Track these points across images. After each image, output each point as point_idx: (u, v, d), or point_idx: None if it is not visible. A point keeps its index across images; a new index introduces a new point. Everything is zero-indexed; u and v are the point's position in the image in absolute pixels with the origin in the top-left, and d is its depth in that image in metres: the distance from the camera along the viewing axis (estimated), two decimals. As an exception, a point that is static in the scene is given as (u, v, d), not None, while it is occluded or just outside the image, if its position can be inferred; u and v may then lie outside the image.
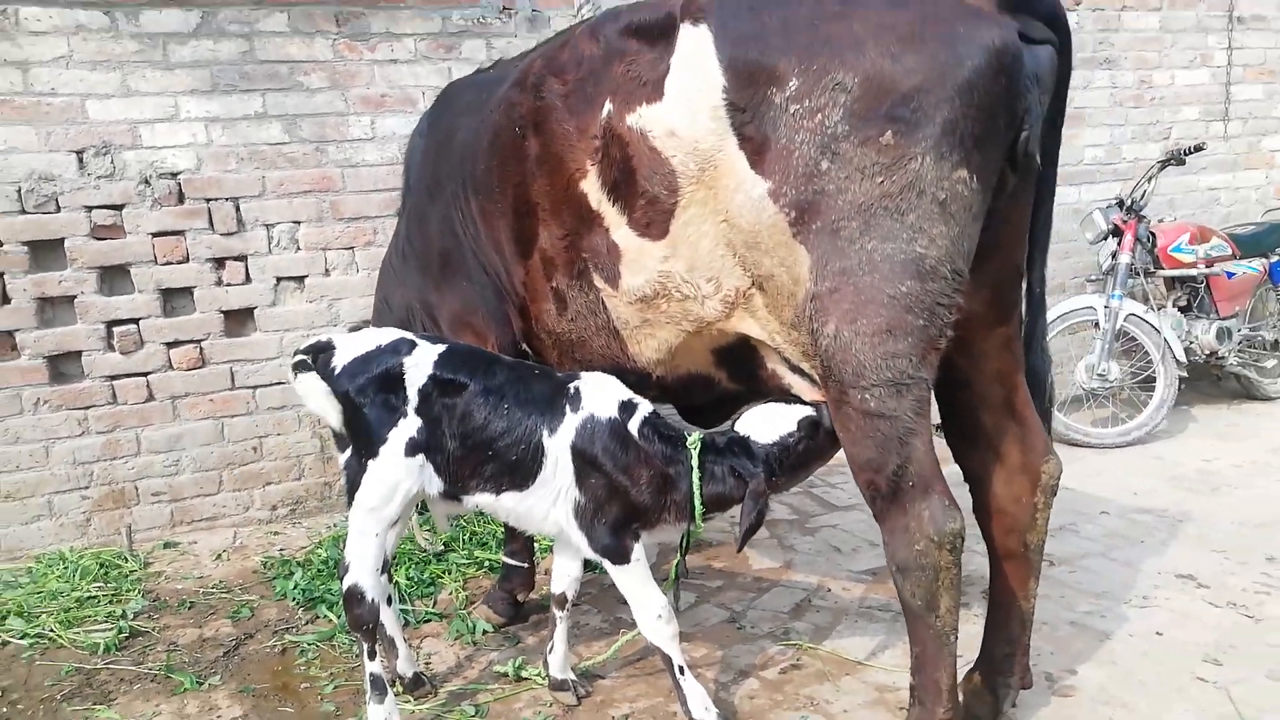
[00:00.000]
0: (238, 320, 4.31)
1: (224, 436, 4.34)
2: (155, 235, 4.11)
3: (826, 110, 2.06)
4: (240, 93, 4.16)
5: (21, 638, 3.35)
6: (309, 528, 4.35)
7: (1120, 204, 5.45)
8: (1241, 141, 6.43)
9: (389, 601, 2.80)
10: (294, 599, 3.56)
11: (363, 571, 2.57)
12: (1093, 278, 5.82)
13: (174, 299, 4.21)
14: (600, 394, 2.55)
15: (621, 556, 2.54)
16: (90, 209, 4.01)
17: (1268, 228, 5.96)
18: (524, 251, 2.79)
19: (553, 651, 2.82)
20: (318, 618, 3.43)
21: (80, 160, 3.98)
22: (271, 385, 4.36)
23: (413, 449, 2.52)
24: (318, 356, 2.59)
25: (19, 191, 3.92)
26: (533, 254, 2.76)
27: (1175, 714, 2.62)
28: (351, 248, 4.42)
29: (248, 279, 4.28)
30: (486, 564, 3.77)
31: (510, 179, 2.74)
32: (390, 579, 2.79)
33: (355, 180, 4.38)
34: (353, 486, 2.57)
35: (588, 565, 2.78)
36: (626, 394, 2.58)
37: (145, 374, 4.18)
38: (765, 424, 2.45)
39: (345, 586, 2.58)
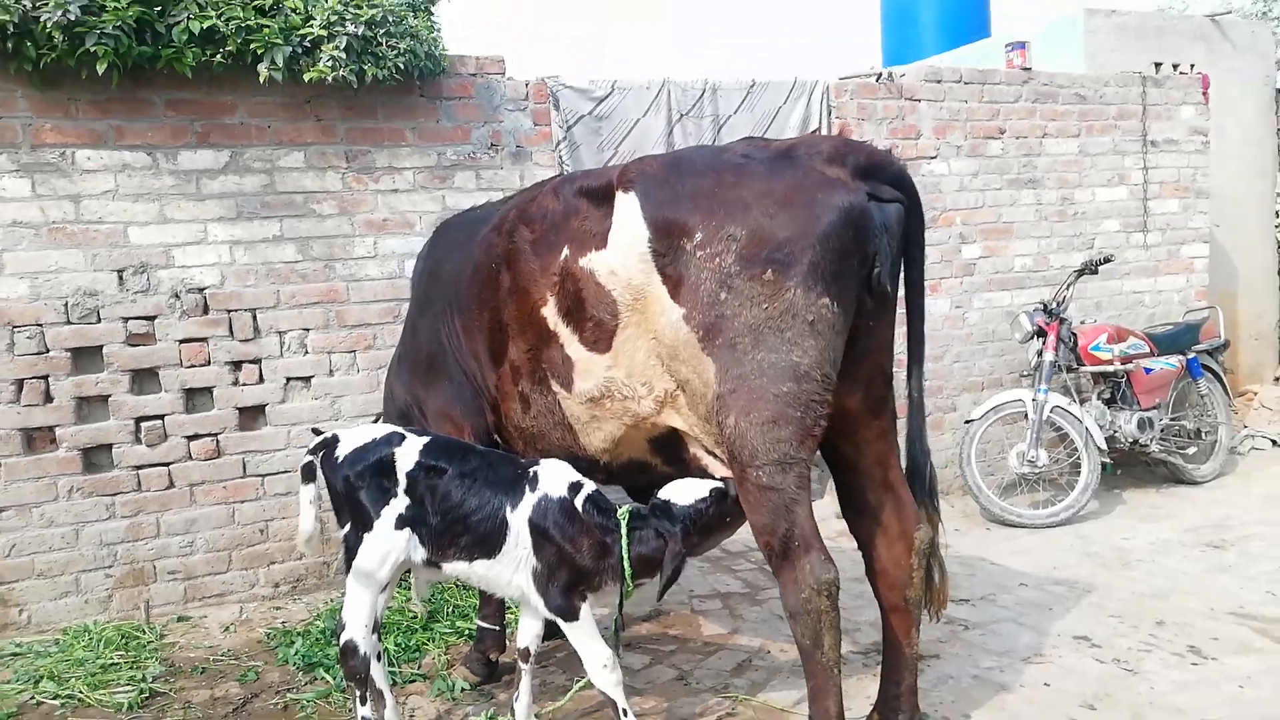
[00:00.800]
0: (251, 416, 4.87)
1: (234, 520, 4.84)
2: (182, 342, 4.70)
3: (723, 255, 2.69)
4: (261, 219, 4.82)
5: (54, 698, 3.79)
6: (308, 603, 4.81)
7: (1044, 308, 6.08)
8: (1161, 250, 7.10)
9: (379, 658, 3.27)
10: (295, 664, 4.02)
11: (357, 628, 3.06)
12: (1024, 373, 6.41)
13: (195, 397, 4.77)
14: (553, 476, 3.09)
15: (571, 614, 3.04)
16: (127, 320, 4.61)
17: (1184, 327, 6.59)
18: (497, 361, 3.39)
19: (518, 700, 3.28)
20: (316, 679, 3.88)
21: (120, 278, 4.60)
22: (279, 473, 4.88)
23: (401, 523, 3.05)
24: (325, 448, 3.15)
25: (66, 305, 4.52)
26: (504, 363, 3.35)
27: (1044, 748, 3.09)
28: (354, 351, 5.01)
29: (261, 379, 4.86)
30: (467, 633, 4.23)
31: (487, 303, 3.37)
32: (380, 639, 3.28)
33: (359, 292, 5.00)
34: (350, 555, 3.09)
35: (551, 633, 3.28)
36: (575, 476, 3.12)
37: (167, 464, 4.71)
38: (683, 492, 3.00)
39: (342, 641, 3.07)
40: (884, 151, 2.90)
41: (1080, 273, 6.12)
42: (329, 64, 4.53)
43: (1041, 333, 6.00)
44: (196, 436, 4.76)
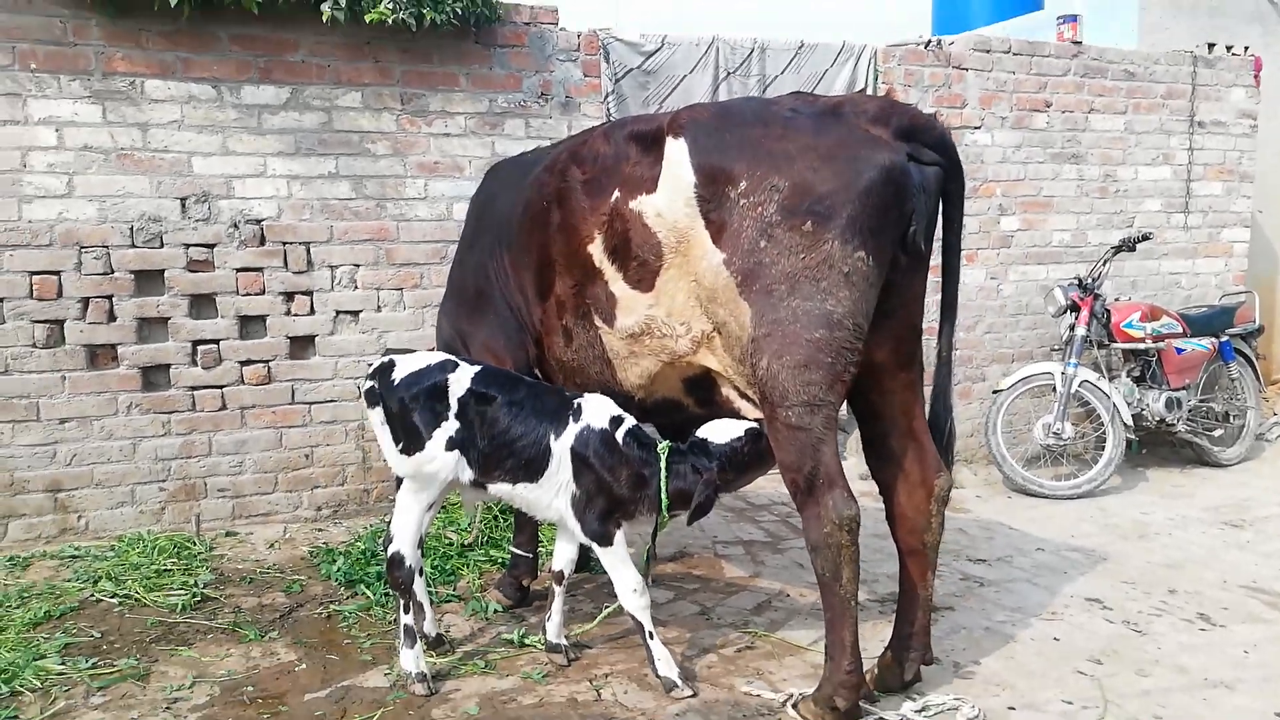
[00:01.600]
0: (301, 345, 5.06)
1: (282, 444, 5.06)
2: (239, 271, 4.89)
3: (765, 204, 2.81)
4: (318, 155, 4.97)
5: (112, 597, 4.04)
6: (349, 527, 5.04)
7: (1079, 283, 6.12)
8: (1202, 232, 7.09)
9: (420, 573, 3.46)
10: (337, 579, 4.24)
11: (404, 542, 3.26)
12: (1055, 348, 6.47)
13: (249, 324, 4.97)
14: (596, 409, 3.25)
15: (606, 540, 3.21)
16: (188, 246, 4.80)
17: (1219, 310, 6.60)
18: (543, 295, 3.54)
19: (550, 620, 3.47)
20: (356, 594, 4.10)
21: (183, 206, 4.79)
22: (325, 402, 5.09)
23: (451, 445, 3.23)
24: (382, 371, 3.32)
25: (131, 229, 4.71)
26: (549, 298, 3.50)
27: (1049, 694, 3.23)
28: (401, 289, 5.18)
29: (312, 311, 5.04)
30: (500, 560, 4.43)
31: (536, 240, 3.51)
32: (423, 554, 3.47)
33: (408, 232, 5.16)
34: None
35: (581, 565, 3.45)
36: (617, 410, 3.27)
37: (221, 387, 4.93)
38: (719, 432, 3.15)
39: (389, 553, 3.27)
40: (927, 115, 3.00)
41: (1118, 250, 6.14)
42: (389, 6, 4.66)
43: (1075, 307, 6.05)
44: (249, 362, 4.96)
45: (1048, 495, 5.80)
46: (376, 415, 3.34)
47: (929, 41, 6.21)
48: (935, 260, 3.14)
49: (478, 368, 3.35)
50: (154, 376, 4.84)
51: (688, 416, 3.36)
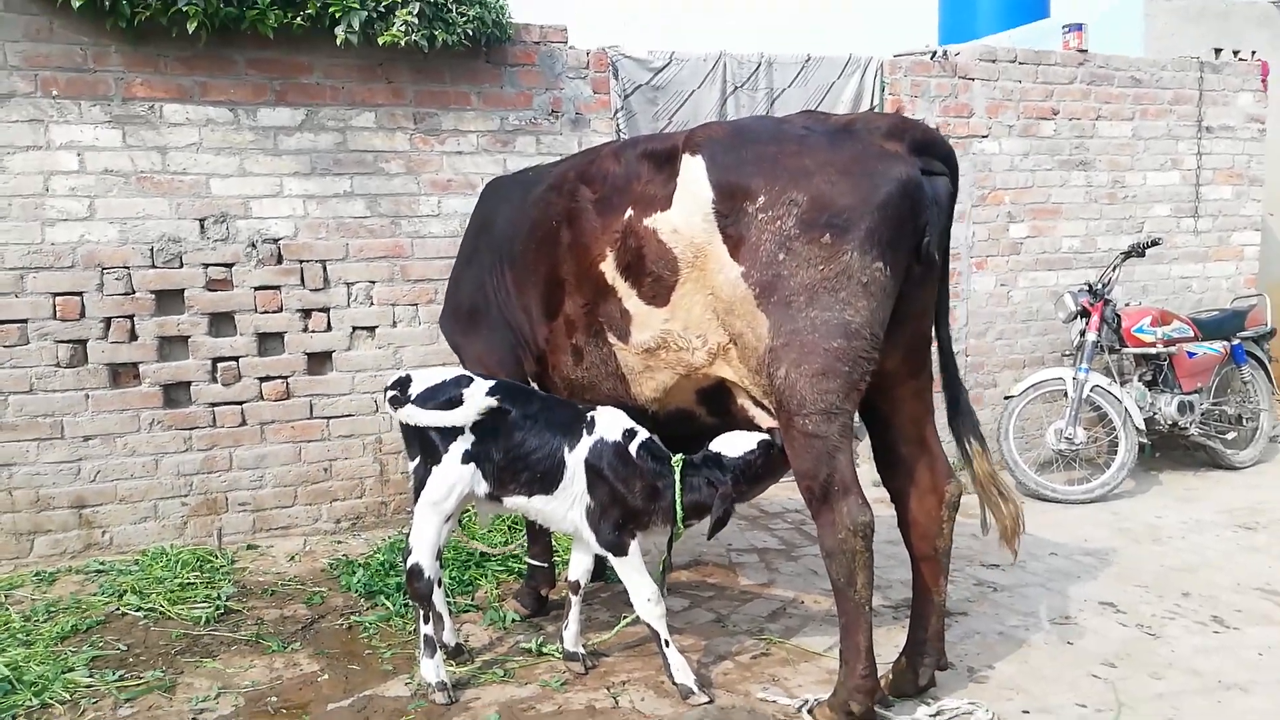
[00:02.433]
0: (318, 361, 5.14)
1: (301, 458, 5.14)
2: (257, 289, 4.98)
3: (784, 218, 2.86)
4: (333, 175, 5.06)
5: (137, 610, 4.11)
6: (367, 539, 5.10)
7: (1089, 289, 6.15)
8: (1212, 236, 7.11)
9: (439, 584, 3.52)
10: (357, 590, 4.30)
11: (423, 554, 3.32)
12: (1066, 353, 6.49)
13: (268, 341, 5.05)
14: (609, 422, 3.31)
15: (621, 550, 3.27)
16: (207, 266, 4.90)
17: (1230, 313, 6.61)
18: (550, 315, 3.60)
19: (567, 629, 3.52)
20: (377, 605, 4.16)
21: (202, 227, 4.88)
22: (343, 417, 5.17)
23: (467, 458, 3.29)
24: (399, 386, 3.39)
25: (151, 250, 4.81)
26: (558, 317, 3.56)
27: (1063, 697, 3.25)
28: (416, 304, 5.26)
29: (329, 327, 5.13)
30: (517, 570, 4.48)
31: (543, 259, 3.57)
32: (442, 566, 3.53)
33: (422, 249, 5.24)
34: (419, 486, 3.34)
35: (596, 574, 3.49)
36: (630, 423, 3.33)
37: (240, 403, 5.01)
38: (732, 445, 3.19)
39: (409, 565, 3.32)
40: (935, 130, 3.07)
41: (1127, 255, 6.16)
42: (402, 29, 4.75)
43: (1085, 313, 6.07)
44: (268, 378, 5.04)
45: (1061, 500, 5.81)
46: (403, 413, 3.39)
47: (935, 52, 6.26)
48: (952, 266, 3.20)
49: (492, 381, 3.41)
50: (175, 394, 4.93)
51: (700, 427, 3.41)
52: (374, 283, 5.19)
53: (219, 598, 4.23)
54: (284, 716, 3.22)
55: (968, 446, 3.28)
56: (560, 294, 3.55)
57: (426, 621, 3.32)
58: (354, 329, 5.18)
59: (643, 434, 3.32)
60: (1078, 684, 3.36)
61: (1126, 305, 6.43)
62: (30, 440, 4.68)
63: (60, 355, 4.70)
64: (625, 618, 3.71)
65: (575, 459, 3.27)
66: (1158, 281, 6.96)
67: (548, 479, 3.29)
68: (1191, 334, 6.24)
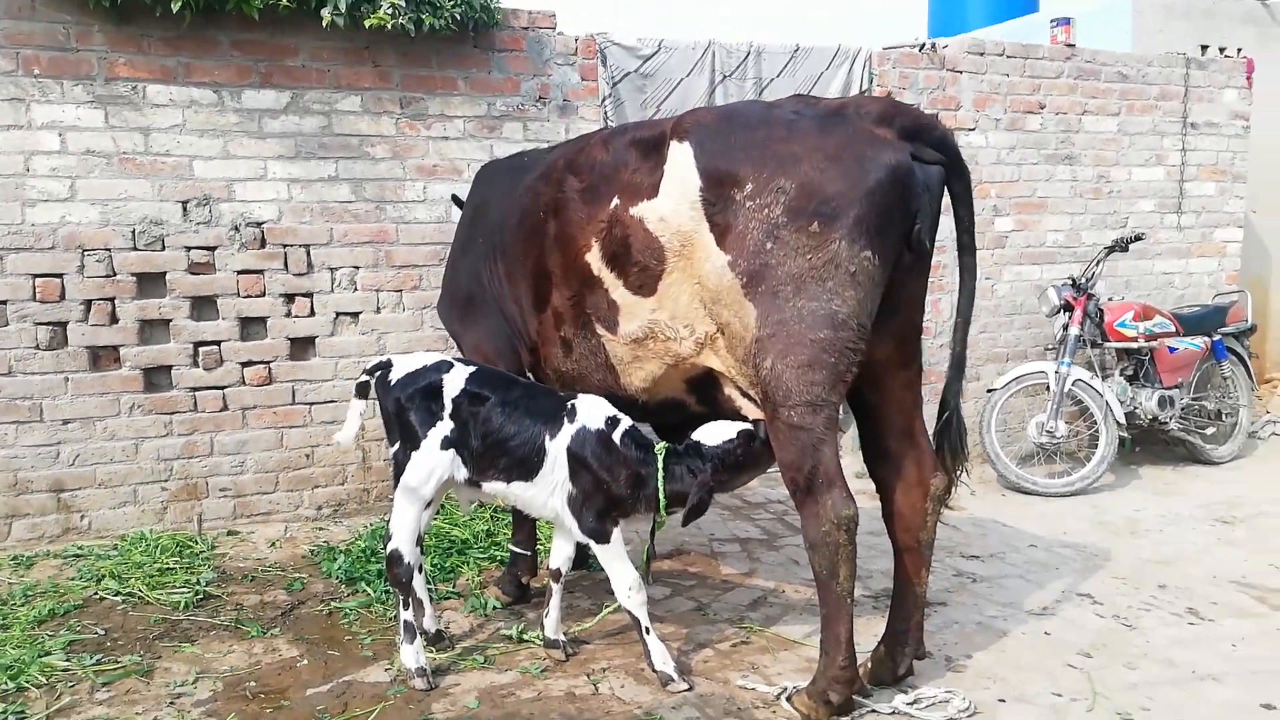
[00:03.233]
0: (301, 347, 5.11)
1: (282, 444, 5.11)
2: (240, 273, 4.94)
3: (771, 206, 2.85)
4: (318, 159, 5.02)
5: (115, 595, 4.09)
6: (349, 526, 5.08)
7: (1072, 283, 6.18)
8: (1195, 232, 7.15)
9: (419, 570, 3.51)
10: (338, 577, 4.28)
11: (403, 539, 3.31)
12: (1049, 347, 6.53)
13: (250, 326, 5.01)
14: (591, 410, 3.30)
15: (603, 538, 3.26)
16: (189, 249, 4.85)
17: (1211, 309, 6.67)
18: (539, 307, 3.59)
19: (548, 616, 3.53)
20: (357, 591, 4.15)
21: (184, 209, 4.84)
22: (326, 402, 5.14)
23: (446, 444, 3.28)
24: (380, 371, 3.37)
25: (133, 232, 4.76)
26: (546, 309, 3.55)
27: (1039, 686, 3.28)
28: (400, 290, 5.23)
29: (312, 313, 5.09)
30: (499, 558, 4.48)
31: (532, 251, 3.56)
32: (422, 551, 3.52)
33: (407, 235, 5.21)
34: (399, 471, 3.33)
35: (578, 563, 3.49)
36: (612, 411, 3.32)
37: (222, 388, 4.97)
38: (713, 434, 3.19)
39: (388, 550, 3.32)
40: (929, 115, 3.03)
41: (1111, 250, 6.20)
42: (389, 11, 4.70)
43: (1068, 307, 6.10)
44: (250, 363, 5.01)
45: (1041, 493, 5.85)
46: (358, 405, 3.48)
47: (923, 44, 6.26)
48: (936, 259, 3.16)
49: (472, 368, 3.40)
50: (156, 378, 4.89)
51: (688, 416, 3.41)
52: (358, 268, 5.16)
53: (198, 583, 4.22)
54: (262, 701, 3.21)
55: (945, 457, 3.18)
56: (548, 286, 3.54)
57: (406, 607, 3.31)
58: (337, 314, 5.15)
59: (626, 421, 3.31)
60: (1054, 673, 3.39)
61: (1109, 300, 6.47)
62: (9, 423, 4.63)
63: (40, 337, 4.65)
64: (607, 606, 3.72)
65: (556, 446, 3.26)
66: (1141, 277, 7.00)
67: (527, 465, 3.28)
68: (1173, 329, 6.29)
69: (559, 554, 3.48)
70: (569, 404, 3.34)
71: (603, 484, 3.23)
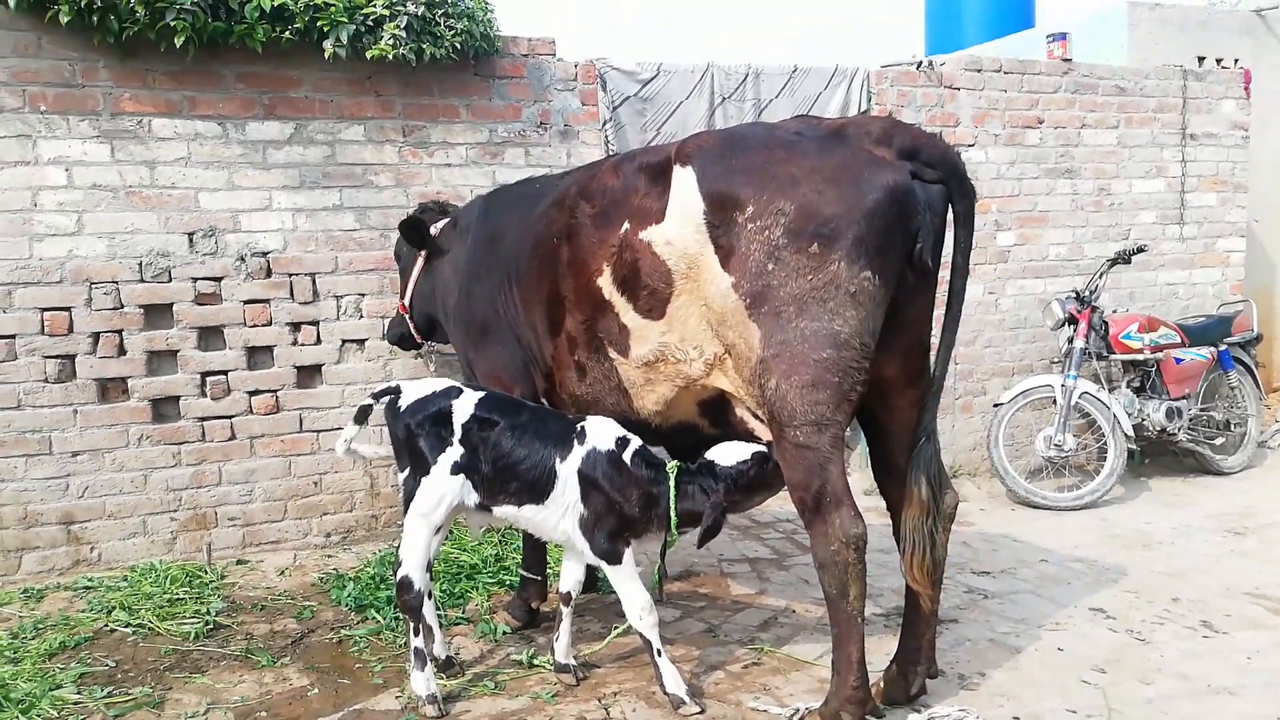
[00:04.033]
0: (308, 374, 5.14)
1: (291, 472, 5.12)
2: (246, 303, 4.97)
3: (772, 228, 2.87)
4: (322, 188, 5.06)
5: (125, 626, 4.08)
6: (358, 553, 5.08)
7: (1076, 296, 6.19)
8: (1197, 242, 7.16)
9: (429, 596, 3.51)
10: (347, 604, 4.28)
11: (413, 565, 3.31)
12: (1055, 360, 6.52)
13: (257, 355, 5.04)
14: (601, 432, 3.31)
15: (615, 559, 3.26)
16: (195, 280, 4.89)
17: (1216, 319, 6.66)
18: (554, 332, 3.61)
19: (558, 640, 3.51)
20: (367, 618, 4.14)
21: (190, 241, 4.88)
22: (333, 430, 5.14)
23: (456, 470, 3.29)
24: (388, 397, 3.39)
25: (140, 265, 4.80)
26: (560, 334, 3.57)
27: (1053, 703, 3.26)
28: (405, 317, 5.26)
29: (318, 340, 5.12)
30: (508, 582, 4.47)
31: (546, 277, 3.58)
32: (432, 578, 3.52)
33: (411, 261, 5.23)
34: (409, 497, 3.34)
35: (588, 586, 3.47)
36: (622, 432, 3.33)
37: (230, 417, 4.99)
38: (726, 454, 3.19)
39: (398, 577, 3.31)
40: (931, 134, 3.04)
41: (1114, 262, 6.20)
42: (390, 42, 4.76)
43: (1073, 320, 6.11)
44: (257, 392, 5.03)
45: (1050, 507, 5.83)
46: (352, 429, 3.48)
47: (921, 62, 6.31)
48: (943, 274, 3.13)
49: (481, 393, 3.41)
50: (164, 408, 4.91)
51: (701, 438, 3.41)
52: (364, 295, 5.19)
53: (208, 613, 4.21)
54: (274, 732, 3.20)
55: (909, 482, 3.05)
56: (562, 311, 3.56)
57: (417, 634, 3.31)
58: (343, 342, 5.18)
59: (636, 442, 3.32)
60: (1068, 690, 3.37)
61: (1114, 312, 6.48)
62: (18, 456, 4.66)
63: (48, 370, 4.68)
64: (617, 628, 3.71)
65: (567, 469, 3.27)
66: (1144, 288, 7.01)
67: (537, 488, 3.29)
68: (1178, 340, 6.29)
69: (569, 577, 3.48)
70: (578, 426, 3.35)
71: (615, 505, 3.23)
